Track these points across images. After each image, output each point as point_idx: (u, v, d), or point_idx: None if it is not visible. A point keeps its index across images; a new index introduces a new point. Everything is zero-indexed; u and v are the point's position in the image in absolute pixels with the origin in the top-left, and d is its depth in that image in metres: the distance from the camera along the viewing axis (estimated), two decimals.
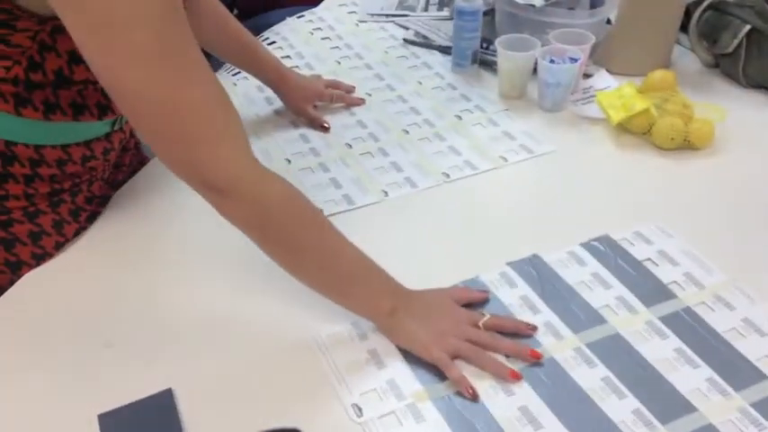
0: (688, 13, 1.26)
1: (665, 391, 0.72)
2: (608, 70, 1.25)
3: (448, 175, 1.04)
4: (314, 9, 1.57)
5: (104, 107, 0.87)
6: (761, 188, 1.00)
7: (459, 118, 1.17)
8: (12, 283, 0.87)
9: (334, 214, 0.96)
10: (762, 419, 0.68)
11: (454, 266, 0.87)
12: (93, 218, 0.95)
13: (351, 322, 0.80)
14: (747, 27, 1.17)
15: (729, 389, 0.72)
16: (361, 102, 1.22)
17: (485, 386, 0.73)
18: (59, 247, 0.90)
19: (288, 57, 1.37)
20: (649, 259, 0.88)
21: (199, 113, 0.68)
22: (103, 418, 0.70)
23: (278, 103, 1.20)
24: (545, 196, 1.01)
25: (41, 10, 0.74)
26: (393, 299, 0.77)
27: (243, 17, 1.83)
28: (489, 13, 1.33)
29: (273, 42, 1.43)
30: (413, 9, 1.53)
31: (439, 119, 1.17)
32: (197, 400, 0.73)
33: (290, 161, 1.08)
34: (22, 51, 0.76)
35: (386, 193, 1.01)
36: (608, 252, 0.89)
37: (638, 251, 0.89)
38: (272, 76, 1.16)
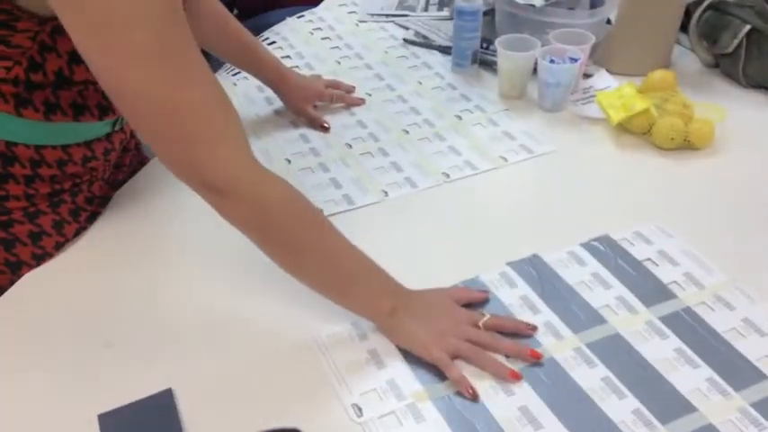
0: (688, 13, 1.26)
1: (665, 391, 0.72)
2: (608, 70, 1.25)
3: (448, 175, 1.04)
4: (314, 9, 1.57)
5: (105, 108, 0.87)
6: (761, 188, 1.00)
7: (459, 118, 1.17)
8: (12, 283, 0.87)
9: (334, 214, 0.96)
10: (762, 419, 0.68)
11: (454, 266, 0.87)
12: (93, 218, 0.95)
13: (351, 322, 0.80)
14: (747, 27, 1.17)
15: (729, 389, 0.72)
16: (361, 102, 1.22)
17: (485, 386, 0.73)
18: (59, 247, 0.90)
19: (288, 57, 1.37)
20: (649, 259, 0.88)
21: (198, 113, 0.68)
22: (103, 418, 0.70)
23: (278, 103, 1.20)
24: (545, 196, 1.01)
25: (41, 11, 0.74)
26: (393, 299, 0.77)
27: (243, 17, 1.83)
28: (489, 13, 1.33)
29: (273, 42, 1.43)
30: (413, 9, 1.53)
31: (439, 119, 1.17)
32: (197, 400, 0.73)
33: (290, 161, 1.08)
34: (23, 52, 0.76)
35: (386, 193, 1.01)
36: (608, 252, 0.89)
37: (638, 251, 0.89)
38: (272, 76, 1.16)
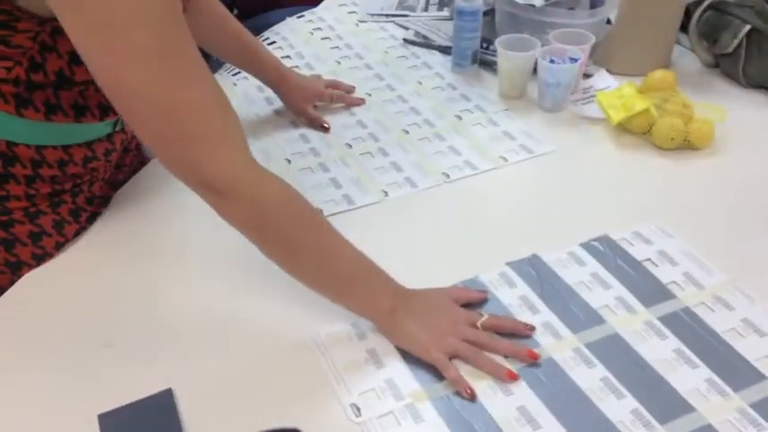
0: (688, 13, 1.26)
1: (664, 391, 0.72)
2: (608, 70, 1.25)
3: (448, 175, 1.04)
4: (314, 9, 1.57)
5: (106, 108, 0.87)
6: (761, 188, 1.00)
7: (459, 118, 1.17)
8: (12, 283, 0.87)
9: (334, 214, 0.96)
10: (761, 420, 0.68)
11: (454, 266, 0.87)
12: (93, 218, 0.95)
13: (350, 322, 0.80)
14: (747, 27, 1.17)
15: (728, 389, 0.72)
16: (361, 102, 1.22)
17: (483, 386, 0.73)
18: (59, 247, 0.90)
19: (288, 57, 1.37)
20: (649, 259, 0.88)
21: (197, 113, 0.68)
22: (103, 418, 0.70)
23: (278, 103, 1.20)
24: (545, 196, 1.01)
25: (41, 11, 0.74)
26: (392, 299, 0.77)
27: (243, 17, 1.83)
28: (489, 13, 1.33)
29: (273, 42, 1.43)
30: (413, 9, 1.53)
31: (439, 119, 1.17)
32: (197, 400, 0.73)
33: (290, 161, 1.08)
34: (23, 52, 0.76)
35: (386, 193, 1.01)
36: (607, 252, 0.89)
37: (638, 251, 0.89)
38: (272, 76, 1.16)
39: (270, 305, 0.82)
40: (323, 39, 1.44)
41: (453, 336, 0.76)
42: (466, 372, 0.74)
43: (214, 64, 1.67)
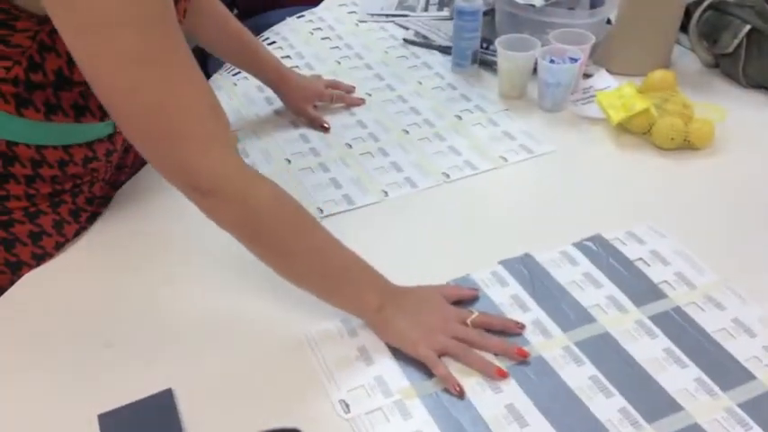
0: (688, 13, 1.26)
1: (653, 390, 0.72)
2: (608, 70, 1.25)
3: (448, 175, 1.04)
4: (314, 9, 1.57)
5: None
6: (760, 188, 1.00)
7: (459, 118, 1.17)
8: (12, 283, 0.87)
9: (334, 214, 0.96)
10: (748, 419, 0.68)
11: (454, 266, 0.87)
12: (93, 218, 0.95)
13: (340, 319, 0.80)
14: (747, 27, 1.17)
15: (717, 389, 0.71)
16: (361, 102, 1.22)
17: (471, 383, 0.73)
18: (59, 247, 0.90)
19: (288, 57, 1.37)
20: (641, 259, 0.87)
21: (186, 112, 0.68)
22: (103, 418, 0.71)
23: (278, 103, 1.20)
24: (545, 196, 1.01)
25: (40, 10, 0.73)
26: (381, 296, 0.77)
27: (243, 17, 1.83)
28: (489, 13, 1.33)
29: (273, 42, 1.43)
30: (413, 9, 1.53)
31: (439, 119, 1.17)
32: (197, 400, 0.73)
33: (290, 161, 1.08)
34: (22, 51, 0.76)
35: (386, 193, 1.01)
36: (600, 252, 0.89)
37: (630, 251, 0.89)
38: (273, 76, 1.16)
39: (267, 304, 0.82)
40: (323, 39, 1.44)
41: (443, 333, 0.76)
42: (455, 369, 0.74)
43: (214, 64, 1.67)
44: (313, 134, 1.15)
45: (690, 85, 1.19)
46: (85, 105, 0.84)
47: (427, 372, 0.74)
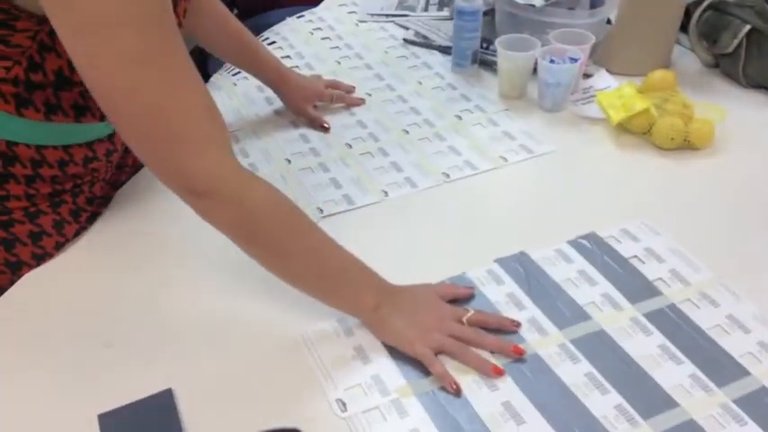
0: (688, 13, 1.26)
1: (648, 386, 0.72)
2: (608, 70, 1.25)
3: (448, 175, 1.04)
4: (314, 9, 1.57)
5: None
6: (760, 188, 1.00)
7: (459, 118, 1.17)
8: (12, 283, 0.87)
9: (334, 214, 0.96)
10: (743, 415, 0.69)
11: (454, 266, 0.87)
12: (93, 218, 0.95)
13: (336, 319, 0.80)
14: (747, 27, 1.17)
15: (712, 385, 0.72)
16: (361, 102, 1.22)
17: (468, 381, 0.73)
18: (59, 247, 0.90)
19: (288, 57, 1.37)
20: (635, 256, 0.88)
21: (184, 115, 0.68)
22: (103, 418, 0.71)
23: (278, 103, 1.20)
24: (545, 196, 1.01)
25: (39, 10, 0.73)
26: (377, 295, 0.77)
27: (243, 17, 1.83)
28: (489, 13, 1.33)
29: (273, 42, 1.43)
30: (413, 9, 1.53)
31: (439, 119, 1.17)
32: (197, 400, 0.73)
33: (290, 161, 1.08)
34: (22, 51, 0.76)
35: (386, 193, 1.01)
36: (594, 249, 0.89)
37: (625, 248, 0.89)
38: (273, 76, 1.16)
39: (266, 304, 0.82)
40: (323, 39, 1.44)
41: (439, 331, 0.76)
42: (452, 367, 0.74)
43: (214, 64, 1.67)
44: (313, 134, 1.15)
45: (690, 85, 1.19)
46: (85, 105, 0.84)
47: (424, 370, 0.74)
